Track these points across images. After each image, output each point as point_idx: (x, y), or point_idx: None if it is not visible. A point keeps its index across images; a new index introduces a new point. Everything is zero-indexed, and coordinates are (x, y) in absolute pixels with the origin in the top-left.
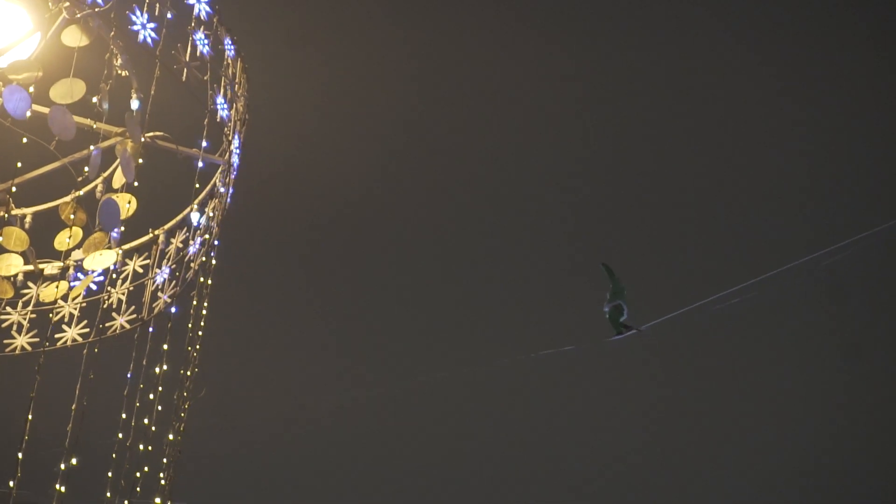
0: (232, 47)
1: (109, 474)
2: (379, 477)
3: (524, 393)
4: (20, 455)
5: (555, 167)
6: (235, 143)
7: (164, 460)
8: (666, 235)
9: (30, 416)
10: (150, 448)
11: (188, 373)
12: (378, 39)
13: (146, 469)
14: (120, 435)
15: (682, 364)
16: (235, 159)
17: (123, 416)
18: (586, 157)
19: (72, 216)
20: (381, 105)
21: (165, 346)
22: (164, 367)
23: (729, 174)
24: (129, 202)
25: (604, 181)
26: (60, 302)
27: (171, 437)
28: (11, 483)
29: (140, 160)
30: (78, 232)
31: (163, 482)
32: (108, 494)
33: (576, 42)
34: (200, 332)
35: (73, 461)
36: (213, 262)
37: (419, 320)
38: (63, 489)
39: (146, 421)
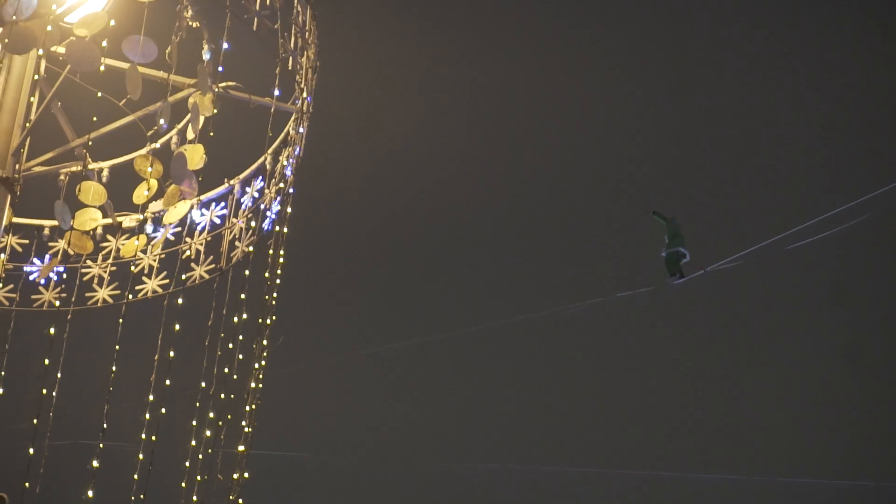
0: None
1: (194, 423)
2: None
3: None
4: (106, 406)
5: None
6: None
7: (247, 408)
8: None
9: (114, 368)
10: (232, 396)
11: (267, 321)
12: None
13: (229, 417)
14: (203, 384)
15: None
16: (307, 106)
17: (205, 364)
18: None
19: (148, 169)
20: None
21: (243, 296)
22: (244, 317)
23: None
24: (202, 154)
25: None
26: (140, 254)
27: (252, 385)
28: (101, 433)
29: (214, 111)
30: (154, 184)
31: (246, 429)
32: (193, 443)
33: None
34: (278, 281)
35: (162, 411)
36: (290, 210)
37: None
38: (153, 438)
39: (227, 370)
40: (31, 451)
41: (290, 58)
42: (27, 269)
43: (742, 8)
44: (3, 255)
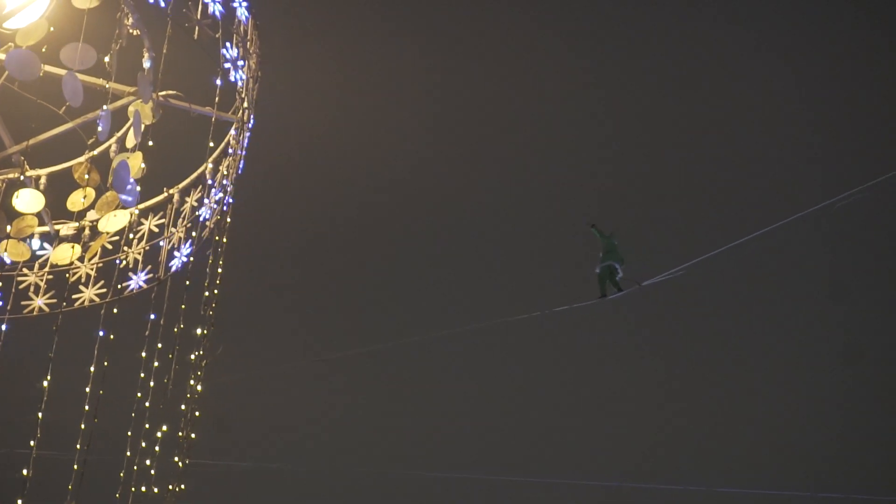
0: (244, 5)
1: (129, 433)
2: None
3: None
4: (40, 415)
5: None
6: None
7: (182, 420)
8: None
9: (48, 378)
10: (160, 406)
11: (205, 332)
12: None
13: (164, 428)
14: (139, 394)
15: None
16: (249, 117)
17: (142, 375)
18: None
19: (86, 176)
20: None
21: (183, 306)
22: (181, 326)
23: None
24: (141, 162)
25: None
26: (77, 263)
27: (188, 395)
28: (32, 443)
29: (154, 119)
30: (92, 192)
31: (182, 441)
32: (129, 453)
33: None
34: (216, 291)
35: (95, 420)
36: (228, 220)
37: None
38: (86, 447)
39: (165, 380)
40: None
41: (231, 67)
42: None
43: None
44: None
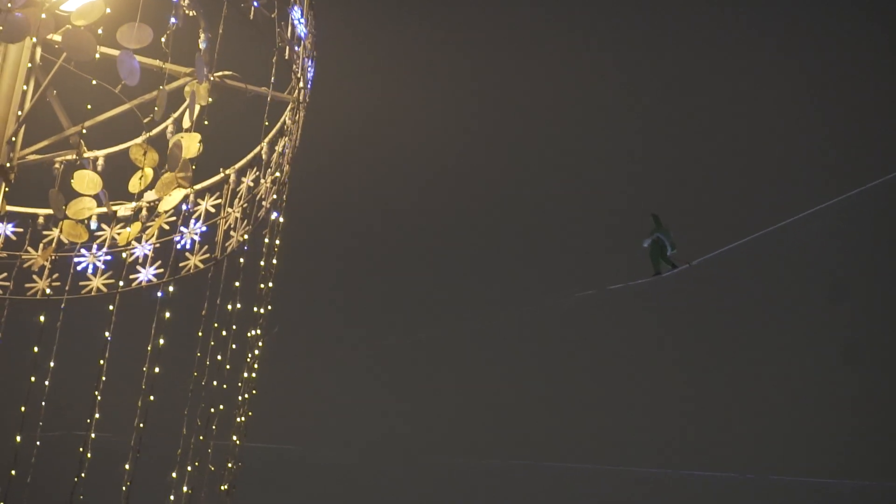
0: None
1: (185, 412)
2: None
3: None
4: (97, 395)
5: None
6: (305, 77)
7: (240, 398)
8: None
9: (106, 356)
10: (224, 386)
11: (262, 310)
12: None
13: (221, 407)
14: (195, 373)
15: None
16: (305, 95)
17: (199, 354)
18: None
19: (142, 157)
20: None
21: (237, 284)
22: (238, 306)
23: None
24: (199, 142)
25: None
26: (134, 243)
27: (245, 375)
28: (89, 420)
29: (210, 99)
30: (150, 173)
31: (239, 419)
32: (185, 431)
33: None
34: (273, 270)
35: (151, 398)
36: (285, 199)
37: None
38: (142, 425)
39: (220, 357)
40: (18, 439)
41: (287, 47)
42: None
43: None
44: None
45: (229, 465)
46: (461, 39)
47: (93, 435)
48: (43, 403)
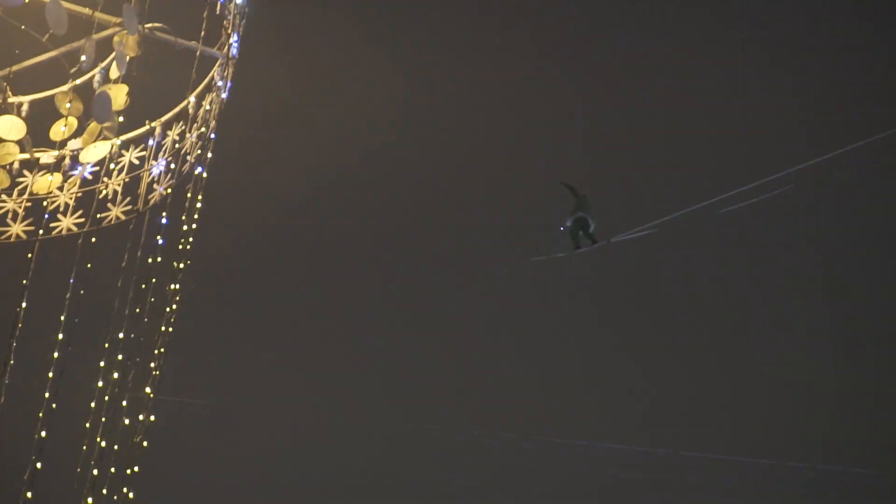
0: None
1: (101, 364)
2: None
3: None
4: (13, 343)
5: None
6: (234, 36)
7: (155, 351)
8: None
9: (23, 304)
10: (142, 339)
11: (181, 265)
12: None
13: (137, 360)
14: (112, 326)
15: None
16: (234, 52)
17: (116, 304)
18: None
19: (67, 105)
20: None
21: (159, 238)
22: (158, 259)
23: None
24: (125, 94)
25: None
26: (56, 192)
27: (162, 328)
28: (6, 370)
29: (139, 52)
30: (73, 122)
31: (154, 372)
32: (100, 384)
33: None
34: (194, 226)
35: (69, 348)
36: (210, 154)
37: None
38: (59, 375)
39: (138, 310)
40: None
41: (218, 1)
42: None
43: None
44: None
45: (141, 417)
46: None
47: (7, 381)
48: None
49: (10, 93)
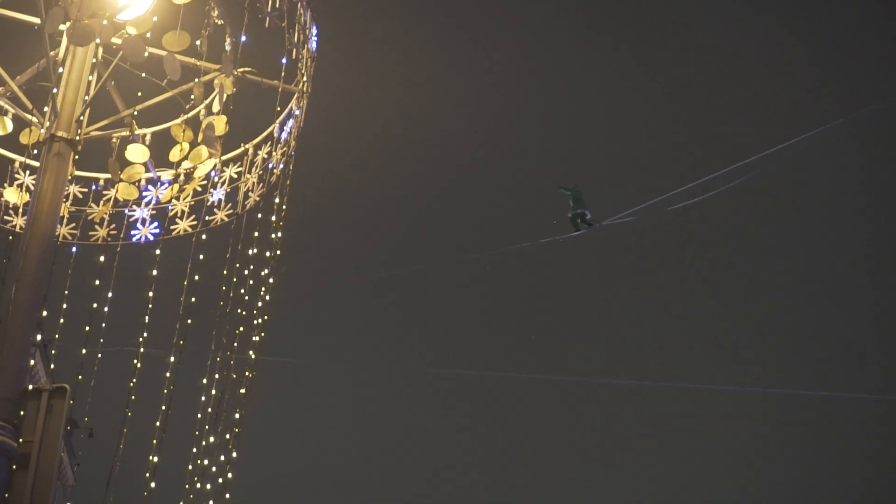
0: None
1: (213, 332)
2: None
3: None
4: (146, 318)
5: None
6: (306, 76)
7: (255, 322)
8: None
9: (153, 288)
10: (244, 312)
11: (273, 254)
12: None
13: (241, 329)
14: (221, 302)
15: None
16: (307, 87)
17: (224, 288)
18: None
19: (181, 134)
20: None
21: (256, 234)
22: (255, 250)
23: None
24: (225, 123)
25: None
26: (174, 201)
27: (260, 303)
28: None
29: (234, 90)
30: (186, 147)
31: (255, 339)
32: (213, 347)
33: None
34: (282, 223)
35: (189, 321)
36: (291, 167)
37: None
38: (182, 342)
39: (242, 291)
40: (84, 351)
41: (294, 49)
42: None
43: None
44: (67, 201)
45: (247, 373)
46: (457, 35)
47: (141, 350)
48: (103, 325)
49: (135, 126)
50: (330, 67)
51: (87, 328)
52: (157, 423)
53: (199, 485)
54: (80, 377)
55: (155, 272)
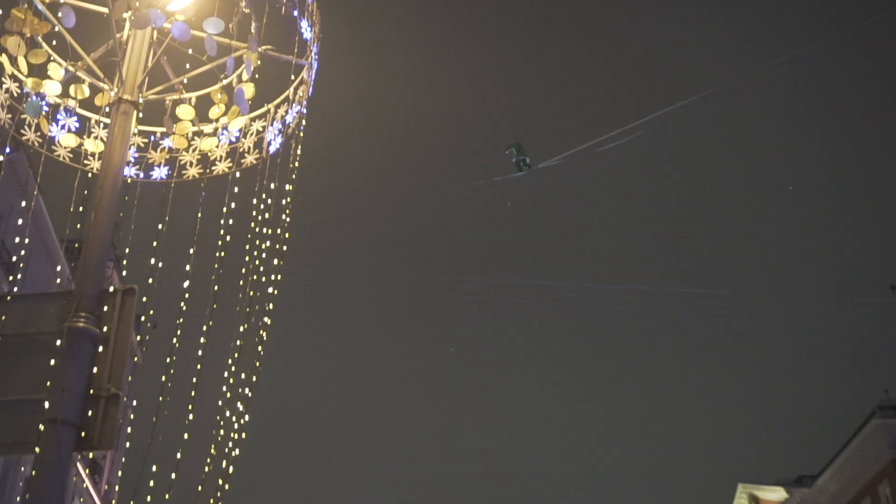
0: None
1: (247, 259)
2: None
3: None
4: (190, 266)
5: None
6: (314, 50)
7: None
8: None
9: (199, 215)
10: (270, 231)
11: (291, 188)
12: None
13: (267, 244)
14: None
15: None
16: (315, 62)
17: (254, 213)
18: None
19: (218, 97)
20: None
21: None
22: (275, 184)
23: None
24: (252, 89)
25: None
26: (214, 149)
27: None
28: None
29: (258, 62)
30: (223, 107)
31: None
32: (243, 270)
33: None
34: (298, 164)
35: (222, 254)
36: (304, 122)
37: None
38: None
39: (267, 215)
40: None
41: (302, 32)
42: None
43: None
44: (130, 150)
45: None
46: (458, 31)
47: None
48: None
49: (183, 90)
50: (331, 48)
51: (154, 244)
52: (206, 313)
53: (233, 367)
54: (150, 280)
55: (199, 214)
